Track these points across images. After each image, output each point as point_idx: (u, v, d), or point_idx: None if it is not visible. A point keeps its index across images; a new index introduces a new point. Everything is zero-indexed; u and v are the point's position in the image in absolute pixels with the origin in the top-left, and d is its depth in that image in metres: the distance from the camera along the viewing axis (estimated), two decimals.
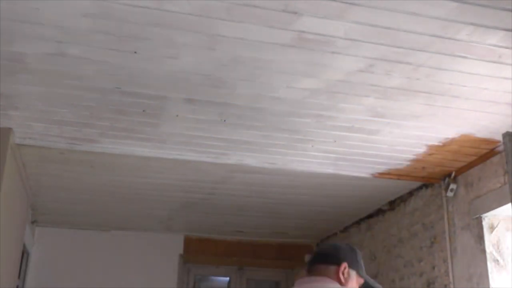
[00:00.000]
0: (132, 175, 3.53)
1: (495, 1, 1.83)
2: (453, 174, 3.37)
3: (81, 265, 4.80)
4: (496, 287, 2.95)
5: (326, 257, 1.88)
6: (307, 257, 1.83)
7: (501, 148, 2.93)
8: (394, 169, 3.37)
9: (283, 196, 3.97)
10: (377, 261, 4.20)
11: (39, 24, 1.96)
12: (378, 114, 2.66)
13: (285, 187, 3.75)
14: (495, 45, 2.07)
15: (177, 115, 2.69)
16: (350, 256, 1.90)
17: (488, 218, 3.08)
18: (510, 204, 2.81)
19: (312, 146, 3.03)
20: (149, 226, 4.84)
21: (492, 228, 3.07)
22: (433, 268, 3.48)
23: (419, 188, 3.72)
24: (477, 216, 3.11)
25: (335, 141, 2.97)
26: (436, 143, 2.98)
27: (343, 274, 1.83)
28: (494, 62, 2.18)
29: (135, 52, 2.14)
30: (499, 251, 3.03)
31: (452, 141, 2.94)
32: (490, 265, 2.99)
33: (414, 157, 3.17)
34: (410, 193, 3.83)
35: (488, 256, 3.00)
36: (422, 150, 3.07)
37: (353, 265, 1.88)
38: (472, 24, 1.95)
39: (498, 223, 3.08)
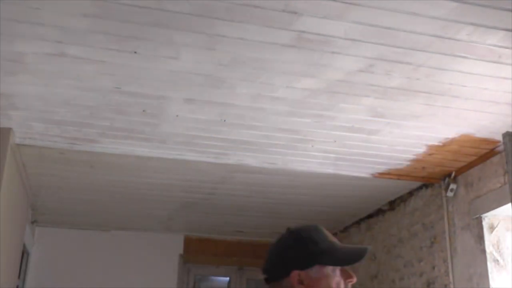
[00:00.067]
0: (132, 175, 3.53)
1: (495, 1, 1.83)
2: (453, 174, 3.37)
3: (81, 265, 4.79)
4: (496, 287, 2.95)
5: (272, 272, 1.42)
6: (260, 275, 1.39)
7: (501, 148, 2.93)
8: (394, 169, 3.37)
9: (283, 196, 3.97)
10: (377, 261, 4.20)
11: (39, 24, 1.96)
12: (378, 114, 2.66)
13: (285, 187, 3.75)
14: (495, 45, 2.07)
15: (177, 115, 2.69)
16: (297, 253, 1.40)
17: (488, 218, 3.08)
18: (510, 204, 2.81)
19: (312, 146, 3.03)
20: (149, 226, 4.84)
21: (492, 228, 3.07)
22: (433, 268, 3.48)
23: (419, 188, 3.72)
24: (477, 216, 3.11)
25: (335, 141, 2.97)
26: (436, 143, 2.98)
27: (301, 283, 1.36)
28: (494, 62, 2.18)
29: (135, 52, 2.14)
30: (499, 251, 3.03)
31: (452, 141, 2.94)
32: (490, 265, 2.99)
33: (414, 157, 3.17)
34: (410, 193, 3.82)
35: (488, 256, 3.00)
36: (422, 150, 3.07)
37: (307, 261, 1.38)
38: (472, 24, 1.95)
39: (498, 223, 3.08)
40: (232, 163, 3.28)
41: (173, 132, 2.88)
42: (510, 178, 2.75)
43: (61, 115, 2.68)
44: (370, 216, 4.38)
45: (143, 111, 2.64)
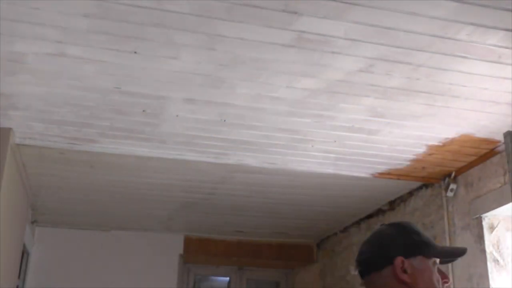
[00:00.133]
0: (132, 175, 3.53)
1: (495, 1, 1.83)
2: (453, 174, 3.37)
3: (81, 265, 4.79)
4: (496, 287, 2.95)
5: (372, 261, 1.38)
6: (353, 269, 1.34)
7: (501, 148, 2.93)
8: (394, 169, 3.37)
9: (283, 196, 3.97)
10: None
11: (39, 24, 1.96)
12: (378, 114, 2.66)
13: (285, 187, 3.75)
14: (495, 45, 2.07)
15: (177, 115, 2.69)
16: (402, 239, 1.37)
17: (488, 218, 3.08)
18: (510, 204, 2.81)
19: (312, 146, 3.03)
20: (149, 226, 4.84)
21: (492, 228, 3.07)
22: None
23: (419, 188, 3.72)
24: (477, 216, 3.11)
25: (335, 141, 2.97)
26: (436, 143, 2.98)
27: (405, 271, 1.32)
28: (494, 62, 2.18)
29: (135, 52, 2.14)
30: (499, 251, 3.03)
31: (452, 141, 2.94)
32: (490, 265, 2.99)
33: (414, 157, 3.17)
34: (410, 193, 3.82)
35: (488, 256, 3.00)
36: (422, 150, 3.07)
37: (411, 249, 1.35)
38: (472, 24, 1.95)
39: (498, 223, 3.08)
40: (232, 163, 3.28)
41: (173, 132, 2.88)
42: (511, 177, 2.75)
43: (61, 115, 2.68)
44: (370, 216, 4.38)
45: (143, 111, 2.64)
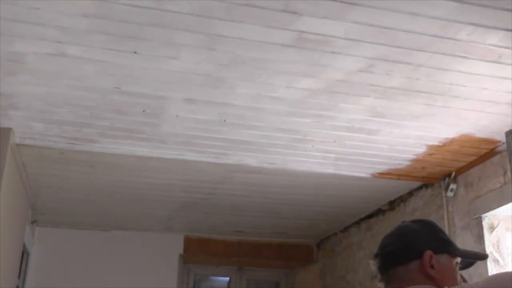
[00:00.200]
0: (132, 175, 3.53)
1: (495, 1, 1.83)
2: (453, 174, 3.37)
3: (81, 265, 4.79)
4: None
5: (399, 253, 1.33)
6: (373, 263, 1.28)
7: (501, 148, 2.93)
8: (394, 169, 3.37)
9: (283, 196, 3.97)
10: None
11: (39, 24, 1.96)
12: (378, 114, 2.66)
13: (285, 187, 3.75)
14: (495, 45, 2.07)
15: (177, 115, 2.69)
16: (429, 235, 1.34)
17: (488, 218, 3.08)
18: (510, 204, 2.81)
19: (312, 146, 3.03)
20: (149, 226, 4.84)
21: (492, 228, 3.07)
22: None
23: (419, 188, 3.72)
24: (477, 216, 3.11)
25: (335, 141, 2.97)
26: (436, 143, 2.98)
27: (432, 267, 1.28)
28: (494, 62, 2.18)
29: (135, 52, 2.14)
30: (499, 251, 3.03)
31: (452, 141, 2.94)
32: (490, 265, 2.99)
33: (414, 157, 3.17)
34: (410, 193, 3.82)
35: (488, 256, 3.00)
36: (422, 150, 3.07)
37: (439, 246, 1.33)
38: (472, 24, 1.95)
39: (498, 223, 3.08)
40: (232, 163, 3.28)
41: (173, 132, 2.88)
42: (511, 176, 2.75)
43: (61, 115, 2.68)
44: (370, 216, 4.38)
45: (143, 111, 2.64)
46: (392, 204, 4.05)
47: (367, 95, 2.47)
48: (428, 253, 1.30)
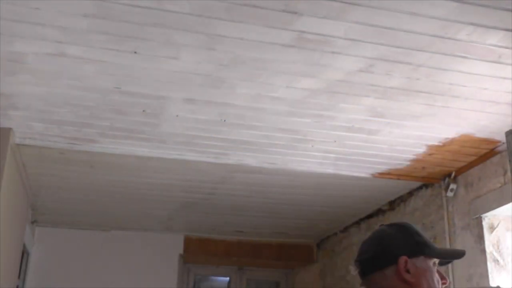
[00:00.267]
0: (132, 175, 3.53)
1: (495, 1, 1.83)
2: (453, 174, 3.37)
3: (81, 265, 4.79)
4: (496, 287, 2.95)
5: (376, 259, 1.38)
6: (353, 269, 1.32)
7: (501, 148, 2.93)
8: (394, 169, 3.37)
9: (283, 196, 3.97)
10: None
11: (39, 24, 1.96)
12: (378, 114, 2.66)
13: (285, 187, 3.75)
14: (495, 45, 2.07)
15: (177, 115, 2.69)
16: (404, 239, 1.38)
17: (488, 218, 3.08)
18: (510, 204, 2.81)
19: (312, 146, 3.03)
20: (149, 226, 4.84)
21: (492, 228, 3.07)
22: None
23: (419, 188, 3.72)
24: (477, 216, 3.11)
25: (335, 141, 2.97)
26: (436, 143, 2.98)
27: (407, 271, 1.33)
28: (494, 62, 2.18)
29: (135, 52, 2.14)
30: (499, 251, 3.03)
31: (452, 141, 2.94)
32: (490, 265, 2.99)
33: (414, 157, 3.17)
34: (410, 193, 3.82)
35: (488, 256, 3.00)
36: (422, 150, 3.07)
37: (414, 249, 1.36)
38: (472, 24, 1.95)
39: (498, 223, 3.08)
40: (232, 163, 3.28)
41: (173, 132, 2.88)
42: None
43: (61, 115, 2.68)
44: (370, 216, 4.38)
45: (143, 111, 2.64)
46: (392, 204, 4.05)
47: (367, 95, 2.47)
48: (402, 258, 1.34)
